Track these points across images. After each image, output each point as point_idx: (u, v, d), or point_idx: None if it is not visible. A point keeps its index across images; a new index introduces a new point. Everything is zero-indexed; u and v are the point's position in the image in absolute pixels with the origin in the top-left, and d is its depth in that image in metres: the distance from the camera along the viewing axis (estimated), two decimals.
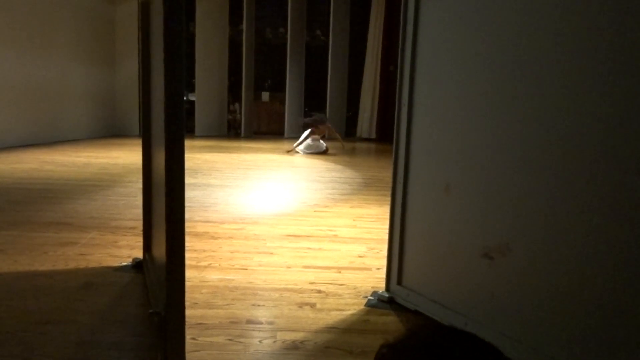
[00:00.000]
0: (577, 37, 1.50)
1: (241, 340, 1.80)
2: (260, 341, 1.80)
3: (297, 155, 8.74)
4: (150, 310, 1.46)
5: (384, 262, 2.28)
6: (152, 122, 2.34)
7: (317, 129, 9.10)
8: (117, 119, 11.97)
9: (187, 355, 1.57)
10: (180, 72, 1.34)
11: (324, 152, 8.88)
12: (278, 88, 13.70)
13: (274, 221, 3.67)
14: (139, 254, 2.64)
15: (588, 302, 1.49)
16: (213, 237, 3.15)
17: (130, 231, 3.19)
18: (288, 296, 2.23)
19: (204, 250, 2.86)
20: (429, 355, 0.59)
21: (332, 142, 9.49)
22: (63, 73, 9.89)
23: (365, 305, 2.16)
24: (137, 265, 2.54)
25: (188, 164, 7.02)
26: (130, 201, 4.15)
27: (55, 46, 9.57)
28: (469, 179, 1.87)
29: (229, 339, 1.80)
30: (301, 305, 2.13)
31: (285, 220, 3.73)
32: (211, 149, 9.16)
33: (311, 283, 2.40)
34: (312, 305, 2.13)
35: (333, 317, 2.03)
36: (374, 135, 12.51)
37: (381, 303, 2.18)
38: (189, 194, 4.59)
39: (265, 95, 14.30)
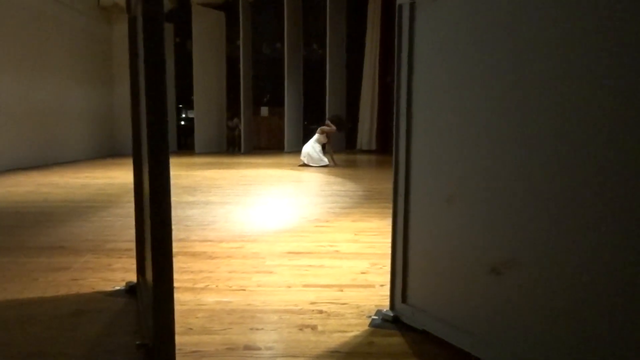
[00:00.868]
0: (577, 45, 1.41)
1: None
2: None
3: (304, 169, 8.62)
4: (138, 342, 1.36)
5: (388, 277, 2.17)
6: (141, 141, 2.26)
7: (330, 128, 9.12)
8: (115, 139, 11.93)
9: None
10: (161, 77, 1.27)
11: (325, 166, 8.86)
12: (277, 103, 13.68)
13: (274, 238, 3.57)
14: (133, 277, 2.54)
15: (600, 318, 1.39)
16: (210, 257, 3.05)
17: (125, 253, 3.10)
18: (288, 318, 2.13)
19: (201, 271, 2.76)
20: None
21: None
22: (60, 94, 9.87)
23: (369, 325, 2.06)
24: (131, 289, 2.44)
25: (187, 181, 6.97)
26: (126, 222, 4.06)
27: (52, 67, 9.56)
28: (472, 190, 1.77)
29: None
30: (302, 327, 2.03)
31: (285, 236, 3.63)
32: (211, 166, 9.09)
33: (312, 303, 2.29)
34: (313, 328, 2.03)
35: (335, 339, 1.92)
36: (374, 147, 12.45)
37: (386, 323, 2.08)
38: (186, 212, 4.51)
39: (264, 110, 14.28)
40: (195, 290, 2.47)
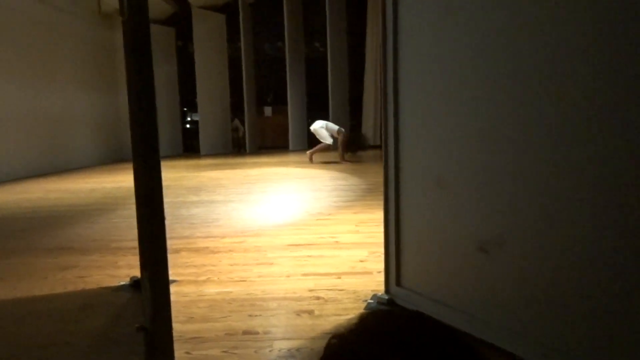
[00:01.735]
0: (559, 28, 1.46)
1: (236, 351, 1.76)
2: (255, 351, 1.77)
3: (309, 166, 8.66)
4: (137, 325, 1.43)
5: None
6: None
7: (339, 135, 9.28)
8: (122, 144, 12.05)
9: None
10: (149, 75, 1.33)
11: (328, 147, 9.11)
12: (280, 102, 13.75)
13: (276, 232, 3.64)
14: (137, 273, 2.61)
15: (583, 293, 1.44)
16: (213, 252, 3.13)
17: (130, 251, 3.18)
18: (286, 305, 2.20)
19: (204, 265, 2.84)
20: (377, 343, 0.56)
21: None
22: (67, 102, 10.02)
23: (364, 309, 2.12)
24: (135, 284, 2.52)
25: (192, 182, 7.04)
26: (131, 222, 4.12)
27: (57, 75, 9.71)
28: (460, 171, 1.83)
29: (224, 351, 1.76)
30: (299, 313, 2.10)
31: (287, 230, 3.70)
32: (216, 167, 9.18)
33: (310, 290, 2.36)
34: (310, 313, 2.10)
35: (331, 322, 1.99)
36: (378, 142, 12.47)
37: (381, 305, 2.14)
38: (191, 211, 4.60)
39: (268, 110, 14.35)
40: (198, 282, 2.55)
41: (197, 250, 3.17)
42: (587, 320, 1.43)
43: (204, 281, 2.56)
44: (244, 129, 13.16)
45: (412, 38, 2.00)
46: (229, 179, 7.41)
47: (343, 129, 9.56)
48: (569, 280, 1.48)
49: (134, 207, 5.16)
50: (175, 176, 7.60)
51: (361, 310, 2.10)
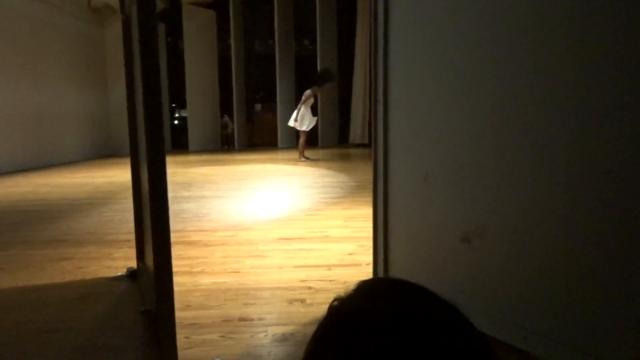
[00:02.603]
0: (543, 30, 1.58)
1: (233, 336, 1.86)
2: (251, 336, 1.87)
3: (300, 164, 8.70)
4: (142, 309, 1.53)
5: None
6: (138, 138, 2.43)
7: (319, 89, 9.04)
8: (111, 140, 12.06)
9: (181, 353, 1.64)
10: (156, 70, 1.43)
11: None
12: (270, 99, 13.82)
13: (267, 226, 3.74)
14: (133, 264, 2.70)
15: (563, 279, 1.57)
16: (206, 245, 3.22)
17: (125, 244, 3.26)
18: (279, 294, 2.30)
19: (197, 257, 2.93)
20: (375, 301, 0.65)
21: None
22: (56, 97, 10.00)
23: None
24: (132, 274, 2.61)
25: (182, 178, 7.10)
26: (125, 216, 4.21)
27: (47, 71, 9.69)
28: (446, 167, 1.95)
29: (222, 336, 1.86)
30: (292, 301, 2.20)
31: (278, 225, 3.80)
32: (205, 163, 9.24)
33: (302, 281, 2.47)
34: (302, 301, 2.20)
35: (322, 310, 2.06)
36: (366, 141, 12.60)
37: None
38: (182, 206, 4.68)
39: (258, 107, 14.41)
40: (193, 273, 2.64)
41: (190, 243, 3.26)
42: (564, 306, 1.56)
43: (199, 272, 2.65)
44: (233, 125, 13.21)
45: (402, 38, 2.11)
46: (218, 175, 7.49)
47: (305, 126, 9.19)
48: (546, 268, 1.60)
49: (125, 201, 5.24)
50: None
51: None
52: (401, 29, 2.11)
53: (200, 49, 12.99)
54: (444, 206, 1.97)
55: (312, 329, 1.78)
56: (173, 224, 3.81)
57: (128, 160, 2.58)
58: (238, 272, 2.65)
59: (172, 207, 4.67)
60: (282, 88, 12.95)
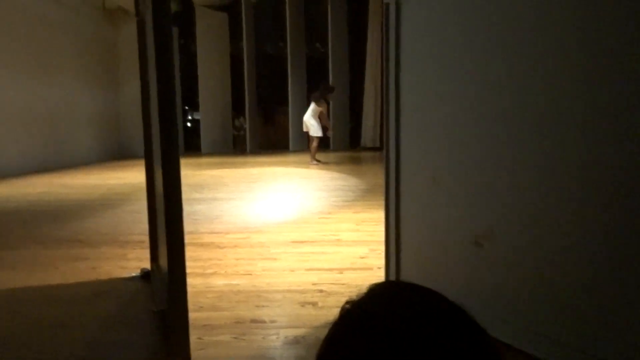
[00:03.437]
0: (555, 32, 1.58)
1: (245, 337, 1.87)
2: (263, 338, 1.88)
3: (312, 167, 8.70)
4: (155, 309, 1.54)
5: None
6: (152, 139, 2.45)
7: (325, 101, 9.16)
8: (123, 141, 12.17)
9: (193, 354, 1.66)
10: (171, 76, 1.45)
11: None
12: (281, 102, 13.87)
13: (279, 229, 3.76)
14: (147, 264, 2.73)
15: (573, 282, 1.56)
16: (218, 247, 3.24)
17: (138, 245, 3.29)
18: (291, 297, 2.31)
19: (210, 259, 2.95)
20: (386, 304, 0.66)
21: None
22: (68, 98, 10.12)
23: None
24: (145, 275, 2.63)
25: (194, 180, 7.15)
26: (138, 217, 4.25)
27: (60, 72, 9.81)
28: (455, 170, 1.95)
29: (234, 337, 1.88)
30: (303, 304, 2.21)
31: (290, 227, 3.81)
32: (217, 165, 9.30)
33: (313, 284, 2.47)
34: (314, 304, 2.21)
35: (334, 313, 2.07)
36: (377, 144, 12.58)
37: None
38: (194, 207, 4.71)
39: (270, 109, 14.48)
40: (205, 275, 2.66)
41: (203, 245, 3.28)
42: (574, 308, 1.55)
43: (211, 274, 2.67)
44: (246, 127, 13.28)
45: (414, 41, 2.11)
46: (230, 177, 7.53)
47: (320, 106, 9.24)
48: (557, 271, 1.59)
49: (138, 202, 5.28)
50: None
51: None
52: (412, 33, 2.12)
53: (212, 51, 13.07)
54: (453, 209, 1.97)
55: (323, 332, 1.78)
56: (185, 226, 3.83)
57: (140, 162, 2.61)
58: (250, 274, 2.66)
59: (185, 208, 4.69)
60: (293, 90, 12.98)
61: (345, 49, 13.03)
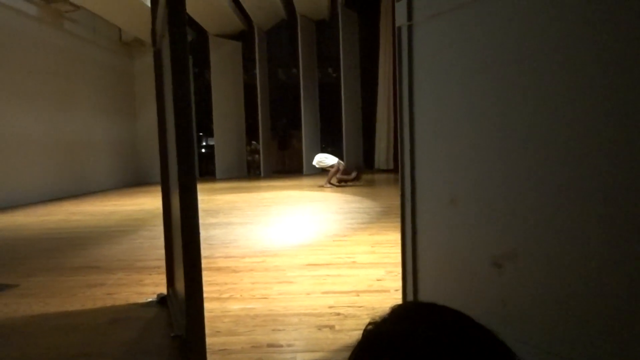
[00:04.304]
0: (577, 52, 1.58)
1: None
2: None
3: (326, 190, 8.74)
4: (172, 334, 1.53)
5: None
6: (169, 166, 2.48)
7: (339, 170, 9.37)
8: (140, 168, 12.33)
9: None
10: (188, 104, 1.47)
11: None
12: (294, 127, 13.98)
13: (294, 252, 3.74)
14: (163, 290, 2.73)
15: (598, 304, 1.52)
16: (234, 271, 3.23)
17: (155, 270, 3.29)
18: (307, 320, 2.28)
19: (226, 283, 2.94)
20: (410, 327, 0.65)
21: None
22: (87, 127, 10.32)
23: None
24: (162, 300, 2.63)
25: (209, 205, 7.18)
26: (154, 243, 4.27)
27: (78, 101, 10.03)
28: (473, 189, 1.93)
29: None
30: (320, 327, 2.18)
31: (305, 251, 3.79)
32: (232, 190, 9.34)
33: (330, 307, 2.45)
34: (331, 327, 2.18)
35: (352, 337, 2.07)
36: (391, 166, 12.58)
37: None
38: (209, 232, 4.72)
39: (282, 134, 14.59)
40: (221, 299, 2.64)
41: (219, 270, 3.27)
42: (603, 334, 1.50)
43: (227, 298, 2.66)
44: (260, 153, 13.38)
45: (427, 62, 2.12)
46: (245, 201, 7.55)
47: (342, 162, 9.58)
48: (583, 293, 1.55)
49: (154, 228, 5.31)
50: None
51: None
52: (426, 55, 2.13)
53: (226, 79, 13.28)
54: (472, 230, 1.95)
55: (341, 355, 1.77)
56: (201, 250, 3.85)
57: (156, 188, 2.64)
58: (266, 298, 2.64)
59: (200, 233, 4.72)
60: (306, 115, 13.09)
61: (357, 73, 13.15)
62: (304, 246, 3.98)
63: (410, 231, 2.24)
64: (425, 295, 2.20)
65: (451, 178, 2.03)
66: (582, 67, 1.52)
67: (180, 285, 2.17)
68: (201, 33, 13.13)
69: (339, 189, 8.73)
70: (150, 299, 2.67)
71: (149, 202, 7.77)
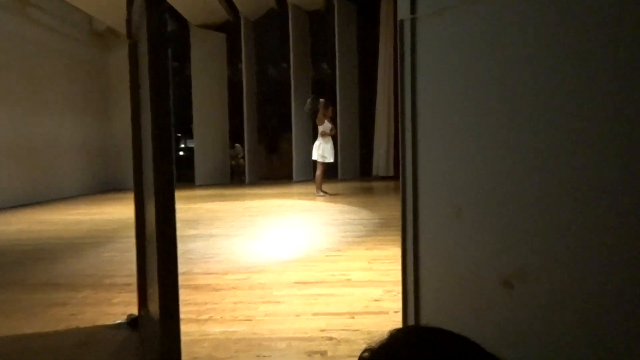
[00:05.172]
0: (585, 56, 1.59)
1: None
2: None
3: (318, 199, 8.71)
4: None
5: None
6: (143, 170, 2.47)
7: (326, 110, 9.56)
8: (112, 173, 12.25)
9: None
10: (167, 102, 1.46)
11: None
12: (284, 128, 13.97)
13: (282, 268, 3.73)
14: (134, 310, 2.70)
15: (615, 326, 1.52)
16: (215, 289, 3.22)
17: (125, 288, 3.27)
18: (296, 345, 2.27)
19: (205, 303, 2.92)
20: (412, 357, 0.64)
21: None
22: (54, 126, 10.26)
23: None
24: (132, 322, 2.60)
25: (188, 214, 7.15)
26: (125, 257, 4.24)
27: (43, 98, 9.97)
28: (481, 202, 1.93)
29: None
30: (310, 354, 2.17)
31: (294, 266, 3.78)
32: (213, 198, 9.31)
33: (322, 330, 2.44)
34: (323, 354, 2.17)
35: None
36: (391, 173, 12.60)
37: None
38: (189, 245, 4.70)
39: (270, 137, 14.59)
40: (200, 321, 2.63)
41: (197, 288, 3.26)
42: (618, 356, 1.51)
43: (206, 320, 2.64)
44: (244, 157, 13.35)
45: (432, 59, 2.13)
46: (228, 211, 7.53)
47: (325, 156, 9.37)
48: (597, 313, 1.56)
49: (125, 240, 5.27)
50: None
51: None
52: (430, 51, 2.14)
53: (209, 74, 13.27)
54: (480, 245, 1.95)
55: None
56: (179, 266, 3.83)
57: (129, 195, 2.62)
58: (250, 319, 2.63)
59: (178, 246, 4.70)
60: (297, 116, 13.09)
61: (355, 69, 13.19)
62: (293, 262, 3.97)
63: (412, 246, 2.24)
64: (428, 318, 2.19)
65: (457, 187, 2.03)
66: (602, 75, 1.54)
67: (154, 306, 2.15)
68: (181, 23, 13.14)
69: (333, 198, 8.73)
70: (119, 321, 2.64)
71: (120, 211, 7.73)
